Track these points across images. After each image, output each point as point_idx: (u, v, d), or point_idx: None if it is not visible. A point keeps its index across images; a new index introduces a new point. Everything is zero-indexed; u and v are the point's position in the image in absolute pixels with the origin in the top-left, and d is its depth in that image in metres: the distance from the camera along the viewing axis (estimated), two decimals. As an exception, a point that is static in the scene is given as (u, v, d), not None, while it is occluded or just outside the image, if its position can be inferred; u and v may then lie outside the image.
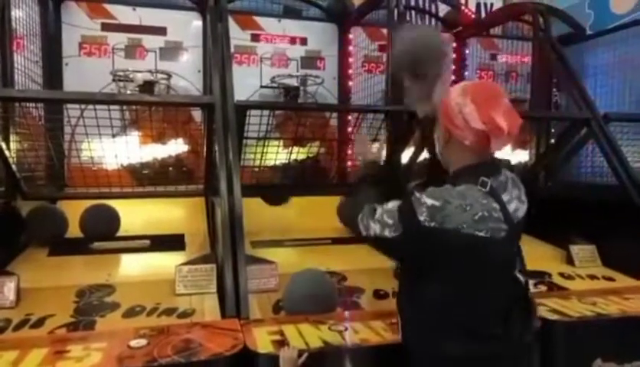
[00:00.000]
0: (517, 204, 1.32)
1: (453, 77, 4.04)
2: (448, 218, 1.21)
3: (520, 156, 3.63)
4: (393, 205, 1.32)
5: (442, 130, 1.35)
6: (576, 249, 2.61)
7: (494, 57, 4.15)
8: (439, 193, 1.25)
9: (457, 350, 1.26)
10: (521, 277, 1.37)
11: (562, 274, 2.42)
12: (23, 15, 2.77)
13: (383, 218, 1.32)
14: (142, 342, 1.45)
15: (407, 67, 1.73)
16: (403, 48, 1.75)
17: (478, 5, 4.51)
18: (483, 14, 4.47)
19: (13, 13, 2.57)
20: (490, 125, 1.24)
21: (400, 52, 1.79)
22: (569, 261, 2.59)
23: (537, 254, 2.60)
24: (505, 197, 1.29)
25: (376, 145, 1.70)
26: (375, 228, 1.33)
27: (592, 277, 2.43)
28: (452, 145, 1.33)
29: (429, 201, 1.24)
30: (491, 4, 4.53)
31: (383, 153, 1.62)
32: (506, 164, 3.54)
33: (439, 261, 1.26)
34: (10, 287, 1.82)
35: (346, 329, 1.61)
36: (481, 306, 1.27)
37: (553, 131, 3.49)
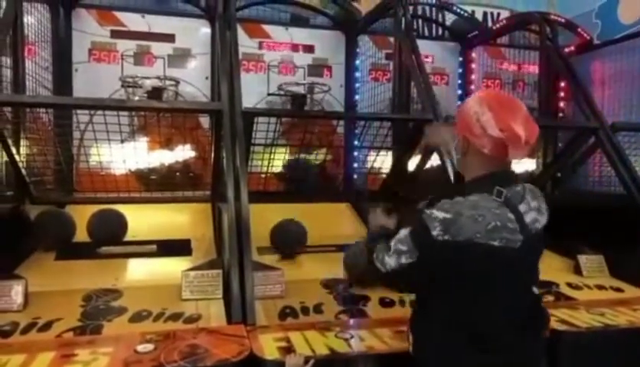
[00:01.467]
0: (535, 215, 1.30)
1: (459, 81, 4.05)
2: (462, 229, 1.20)
3: (527, 165, 3.62)
4: (404, 232, 1.32)
5: (460, 139, 1.35)
6: (583, 259, 2.58)
7: (500, 66, 4.16)
8: (450, 206, 1.24)
9: (468, 363, 1.25)
10: (535, 289, 1.37)
11: (570, 284, 2.40)
12: (34, 22, 2.81)
13: (397, 247, 1.32)
14: (149, 347, 1.45)
15: None
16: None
17: (485, 14, 4.53)
18: (490, 24, 4.48)
19: (25, 19, 2.61)
20: (507, 133, 1.23)
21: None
22: (577, 271, 2.56)
23: (544, 264, 2.51)
24: (522, 208, 1.27)
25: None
26: (390, 262, 1.33)
27: (600, 287, 2.40)
28: (471, 155, 1.32)
29: (441, 215, 1.23)
30: (498, 14, 4.54)
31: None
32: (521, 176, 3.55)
33: (454, 274, 1.25)
34: (18, 291, 1.82)
35: (352, 336, 1.61)
36: (496, 318, 1.26)
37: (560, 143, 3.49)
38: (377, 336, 1.62)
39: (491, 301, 1.25)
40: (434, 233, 1.22)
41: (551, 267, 2.59)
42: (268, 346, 1.50)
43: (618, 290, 2.37)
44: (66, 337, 1.62)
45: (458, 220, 1.21)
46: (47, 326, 1.68)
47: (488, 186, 1.27)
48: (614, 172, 2.82)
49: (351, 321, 1.83)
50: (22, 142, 2.41)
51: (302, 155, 2.96)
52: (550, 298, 2.23)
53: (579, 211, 2.86)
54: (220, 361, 1.39)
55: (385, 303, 2.06)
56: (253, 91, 3.44)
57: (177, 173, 3.21)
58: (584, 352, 1.74)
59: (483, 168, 1.30)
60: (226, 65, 2.44)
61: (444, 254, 1.22)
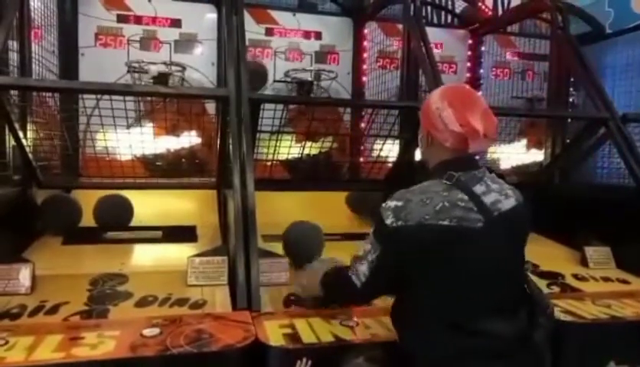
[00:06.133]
0: (497, 196, 1.34)
1: (468, 75, 4.00)
2: (411, 214, 1.26)
3: (535, 155, 3.59)
4: (370, 233, 1.37)
5: (424, 133, 1.42)
6: (590, 251, 2.56)
7: (510, 55, 4.10)
8: (402, 194, 1.32)
9: (449, 348, 1.27)
10: (519, 275, 1.40)
11: (575, 276, 2.39)
12: (40, 5, 2.79)
13: (364, 248, 1.37)
14: (155, 331, 1.46)
15: None
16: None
17: (495, 2, 4.46)
18: (500, 11, 4.41)
19: (31, 3, 2.59)
20: (466, 128, 1.30)
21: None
22: (583, 262, 2.55)
23: (550, 255, 2.57)
24: (479, 189, 1.32)
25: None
26: (362, 269, 1.36)
27: (607, 279, 2.39)
28: (434, 147, 1.39)
29: (393, 203, 1.30)
30: (509, 1, 4.47)
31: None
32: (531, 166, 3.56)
33: (414, 260, 1.28)
34: (25, 274, 1.83)
35: (357, 324, 1.61)
36: (465, 301, 1.28)
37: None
38: (382, 324, 1.62)
39: (457, 284, 1.27)
40: (388, 222, 1.28)
41: (557, 259, 2.58)
42: (273, 333, 1.50)
43: (625, 282, 2.36)
44: (73, 320, 1.63)
45: (407, 206, 1.27)
46: (55, 309, 1.70)
47: (441, 172, 1.34)
48: (623, 164, 2.79)
49: (356, 309, 1.83)
50: (29, 126, 2.41)
51: (308, 143, 2.93)
52: (555, 289, 2.22)
53: (586, 202, 2.84)
54: (226, 346, 1.39)
55: (390, 291, 2.06)
56: (260, 77, 3.42)
57: (183, 160, 3.21)
58: (589, 343, 1.73)
59: (443, 156, 1.37)
60: (232, 51, 2.42)
61: (399, 240, 1.27)
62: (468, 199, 1.29)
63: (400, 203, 1.29)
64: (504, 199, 1.35)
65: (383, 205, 1.32)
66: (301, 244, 2.22)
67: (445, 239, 1.26)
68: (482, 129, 1.30)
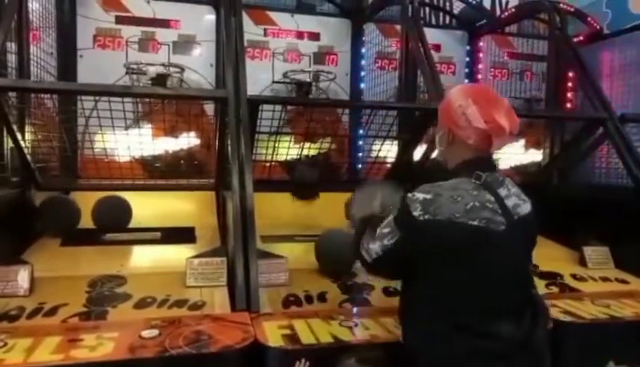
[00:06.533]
0: (516, 200, 1.35)
1: (466, 70, 4.00)
2: (440, 209, 1.25)
3: (533, 156, 3.60)
4: (389, 217, 1.36)
5: (445, 132, 1.41)
6: (589, 251, 2.57)
7: (508, 55, 4.11)
8: (431, 187, 1.30)
9: (455, 349, 1.26)
10: (529, 278, 1.40)
11: (574, 276, 2.39)
12: (39, 7, 2.79)
13: (381, 232, 1.35)
14: (154, 332, 1.46)
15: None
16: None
17: (493, 2, 4.47)
18: (498, 12, 4.42)
19: (29, 4, 2.59)
20: (492, 124, 1.30)
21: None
22: (582, 262, 2.55)
23: (549, 256, 2.57)
24: (502, 192, 1.32)
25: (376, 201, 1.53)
26: (375, 248, 1.36)
27: (605, 279, 2.39)
28: (455, 146, 1.38)
29: (421, 196, 1.28)
30: (507, 2, 4.48)
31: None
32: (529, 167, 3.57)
33: (436, 255, 1.28)
34: (24, 276, 1.83)
35: (356, 325, 1.61)
36: (479, 302, 1.27)
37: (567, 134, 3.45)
38: (381, 324, 1.62)
39: (474, 284, 1.27)
40: (415, 213, 1.26)
41: (556, 259, 2.59)
42: (272, 334, 1.50)
43: (624, 282, 2.37)
44: (71, 322, 1.63)
45: (437, 200, 1.26)
46: (53, 311, 1.70)
47: (468, 170, 1.33)
48: (622, 164, 2.80)
49: (355, 310, 1.83)
50: (27, 128, 2.41)
51: (307, 144, 2.93)
52: (554, 289, 2.23)
53: (584, 203, 2.85)
54: (225, 347, 1.39)
55: (389, 292, 2.06)
56: (258, 79, 3.42)
57: (182, 161, 3.21)
58: (588, 343, 1.73)
59: (465, 155, 1.36)
60: (231, 52, 2.42)
61: (425, 233, 1.26)
62: (494, 201, 1.29)
63: (428, 196, 1.27)
64: (522, 203, 1.36)
65: (410, 195, 1.30)
66: (337, 253, 2.13)
67: (474, 240, 1.25)
68: (508, 126, 1.30)
